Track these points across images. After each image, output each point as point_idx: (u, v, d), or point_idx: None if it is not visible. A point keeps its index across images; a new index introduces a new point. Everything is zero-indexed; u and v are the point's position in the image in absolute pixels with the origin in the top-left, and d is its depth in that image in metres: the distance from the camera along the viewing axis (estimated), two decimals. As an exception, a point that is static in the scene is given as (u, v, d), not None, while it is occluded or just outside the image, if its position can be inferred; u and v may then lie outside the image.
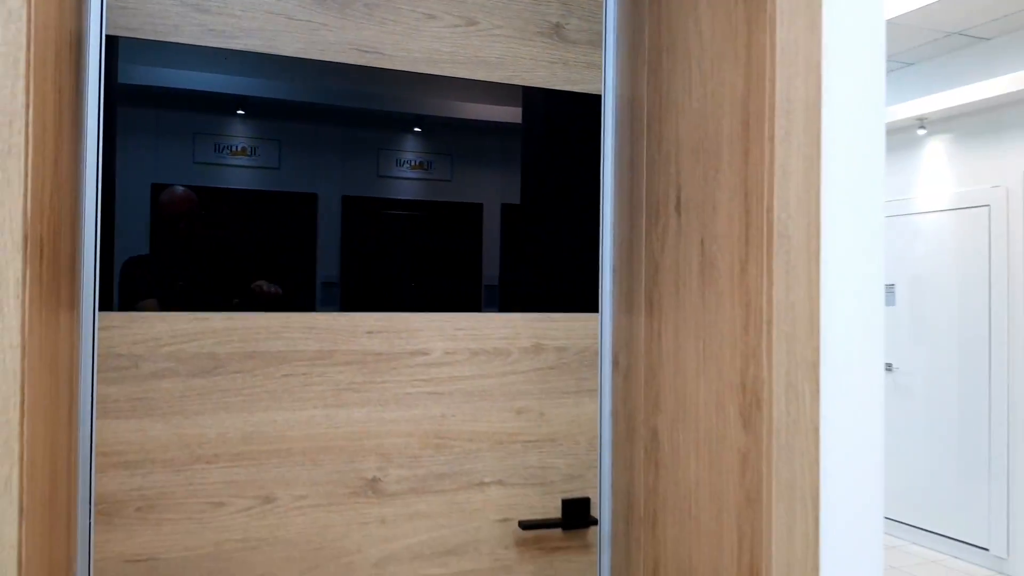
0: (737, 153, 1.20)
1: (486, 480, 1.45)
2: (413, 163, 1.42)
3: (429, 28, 1.42)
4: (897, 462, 5.32)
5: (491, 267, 1.47)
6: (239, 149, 1.30)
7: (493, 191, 1.47)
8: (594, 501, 1.53)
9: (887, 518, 5.32)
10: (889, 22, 4.76)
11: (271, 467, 1.31)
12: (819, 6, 1.17)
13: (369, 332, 1.37)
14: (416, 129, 1.42)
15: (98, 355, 1.22)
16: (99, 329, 1.22)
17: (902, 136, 5.51)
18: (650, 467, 1.42)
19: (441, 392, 1.42)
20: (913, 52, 5.33)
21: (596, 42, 1.54)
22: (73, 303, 1.12)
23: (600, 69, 1.55)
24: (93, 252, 1.22)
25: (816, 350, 1.15)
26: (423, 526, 1.40)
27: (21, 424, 0.75)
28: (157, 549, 1.24)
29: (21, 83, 0.76)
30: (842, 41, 1.20)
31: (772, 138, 1.14)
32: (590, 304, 1.54)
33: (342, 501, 1.35)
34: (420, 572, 1.40)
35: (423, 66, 1.41)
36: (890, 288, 5.40)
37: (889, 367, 5.35)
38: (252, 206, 1.31)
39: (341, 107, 1.36)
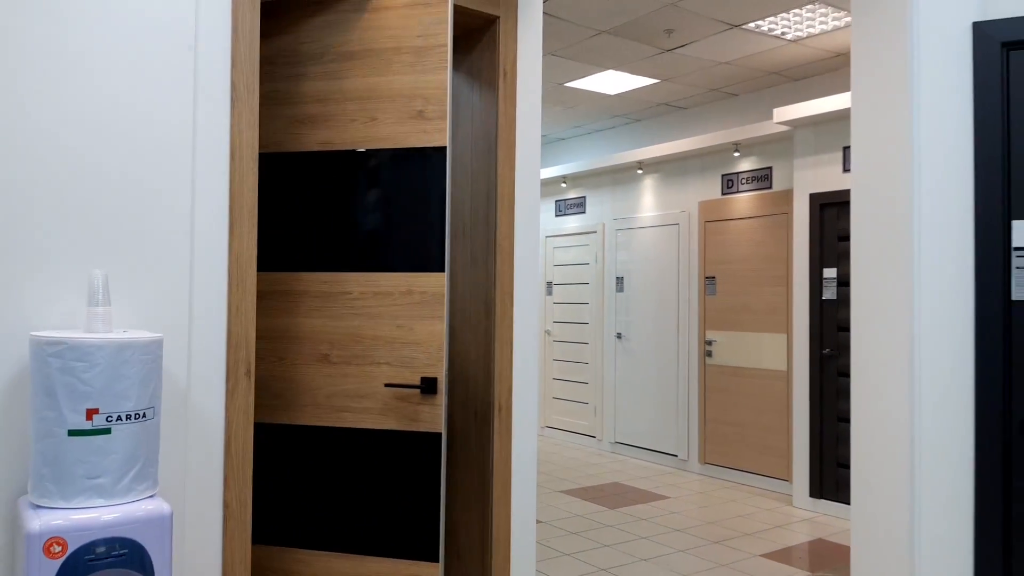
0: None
1: (380, 362, 2.73)
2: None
3: (353, 126, 2.75)
4: (628, 405, 7.92)
5: (389, 248, 2.73)
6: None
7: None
8: (440, 377, 2.68)
9: (619, 442, 8.03)
10: (623, 95, 7.07)
11: (282, 343, 2.80)
12: (513, 142, 2.21)
13: (324, 282, 2.77)
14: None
15: (216, 290, 2.86)
16: (217, 279, 2.86)
17: (628, 174, 8.08)
18: (459, 353, 2.54)
19: (358, 313, 2.75)
20: (638, 113, 7.75)
21: (443, 118, 2.68)
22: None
23: (445, 133, 2.68)
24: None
25: (512, 286, 2.23)
26: (349, 381, 2.75)
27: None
28: (237, 375, 2.84)
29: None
30: (522, 160, 2.21)
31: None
32: (440, 267, 2.68)
33: (312, 364, 2.78)
34: (348, 404, 2.75)
35: (351, 146, 2.75)
36: (620, 280, 8.06)
37: (620, 336, 8.02)
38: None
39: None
